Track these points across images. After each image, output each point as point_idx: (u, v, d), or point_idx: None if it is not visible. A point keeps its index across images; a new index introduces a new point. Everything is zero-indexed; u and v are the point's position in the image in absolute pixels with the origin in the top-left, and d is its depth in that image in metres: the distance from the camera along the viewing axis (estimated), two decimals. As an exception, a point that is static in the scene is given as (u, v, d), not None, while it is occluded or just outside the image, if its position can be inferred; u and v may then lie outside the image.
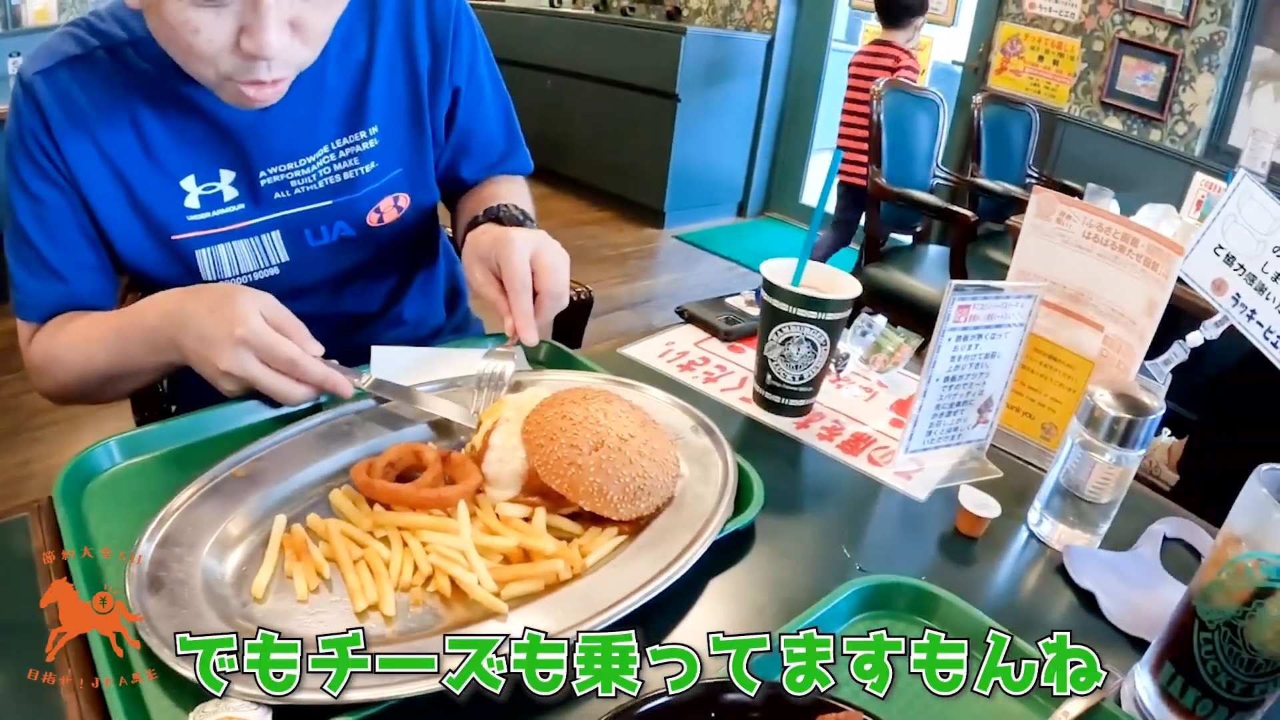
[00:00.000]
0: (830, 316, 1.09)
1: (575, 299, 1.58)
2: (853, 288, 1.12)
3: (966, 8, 5.39)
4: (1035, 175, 4.47)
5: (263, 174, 1.18)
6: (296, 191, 1.21)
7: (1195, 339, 1.10)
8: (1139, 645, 0.84)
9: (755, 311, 1.43)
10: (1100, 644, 0.83)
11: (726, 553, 0.89)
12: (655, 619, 0.79)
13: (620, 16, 6.59)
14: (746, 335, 1.38)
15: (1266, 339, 1.04)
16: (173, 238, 1.17)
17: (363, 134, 1.23)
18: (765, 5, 6.20)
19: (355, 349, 1.13)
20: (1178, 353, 1.10)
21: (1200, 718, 0.74)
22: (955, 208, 3.38)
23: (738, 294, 1.49)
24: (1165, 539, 1.02)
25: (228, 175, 1.17)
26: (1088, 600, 0.91)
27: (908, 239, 4.14)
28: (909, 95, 3.77)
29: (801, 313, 1.08)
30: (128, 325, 1.08)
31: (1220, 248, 1.08)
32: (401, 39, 1.24)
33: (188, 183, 1.16)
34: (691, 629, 0.81)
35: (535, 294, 1.09)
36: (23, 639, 0.71)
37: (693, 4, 6.64)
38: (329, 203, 1.24)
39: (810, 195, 6.57)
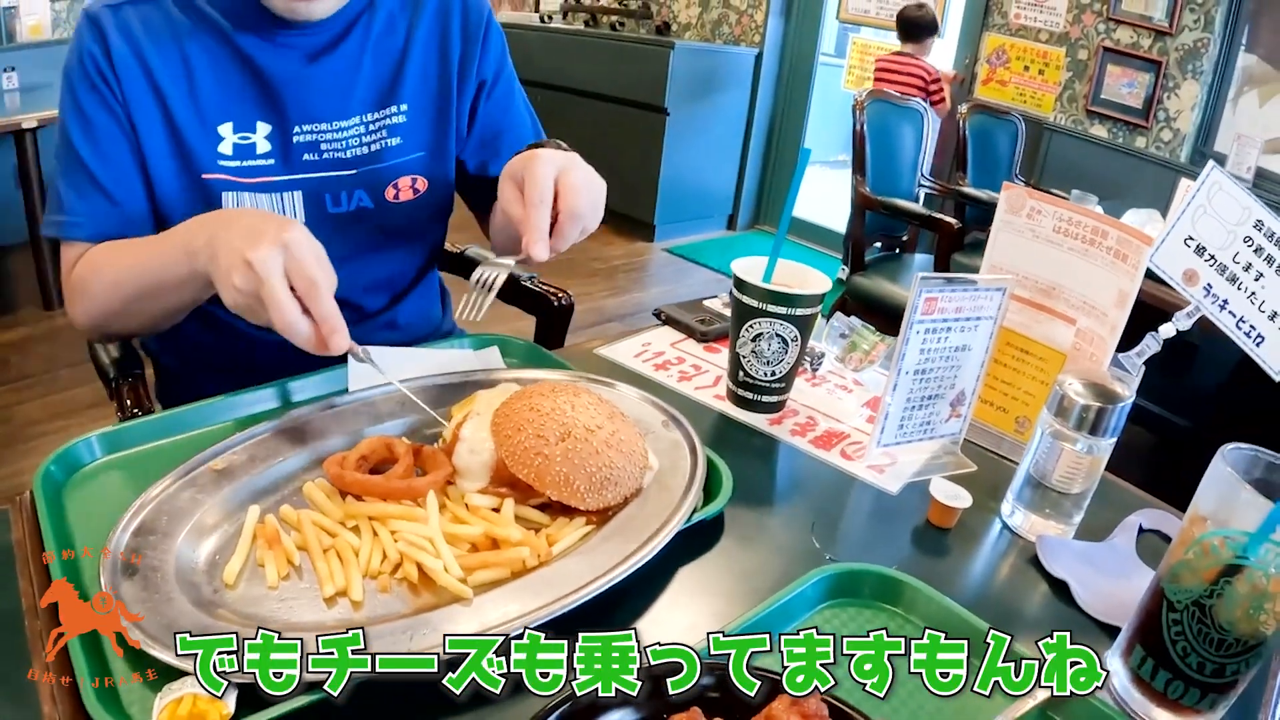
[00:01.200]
0: (800, 312, 1.10)
1: (556, 304, 1.59)
2: (822, 283, 1.13)
3: (953, 19, 5.42)
4: (1022, 184, 4.47)
5: (296, 130, 1.24)
6: (325, 156, 1.26)
7: (1167, 330, 1.10)
8: (1112, 633, 0.85)
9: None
10: (1073, 632, 0.84)
11: (697, 543, 0.90)
12: (625, 605, 0.80)
13: (610, 31, 6.64)
14: (722, 336, 1.39)
15: (1239, 329, 1.04)
16: (203, 176, 1.21)
17: (393, 109, 1.29)
18: (754, 19, 6.24)
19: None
20: (1150, 345, 1.11)
21: (1172, 700, 0.75)
22: (939, 215, 3.39)
23: (715, 297, 1.50)
24: (1141, 530, 1.03)
25: (264, 128, 1.23)
26: (1061, 589, 0.91)
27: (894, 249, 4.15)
28: (892, 105, 3.79)
29: (771, 308, 1.09)
30: (171, 232, 1.10)
31: (1190, 239, 1.08)
32: (438, 32, 1.32)
33: (225, 129, 1.21)
34: (660, 616, 0.81)
35: (557, 213, 1.06)
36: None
37: (681, 19, 6.69)
38: (353, 172, 1.28)
39: (801, 208, 6.54)
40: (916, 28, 4.87)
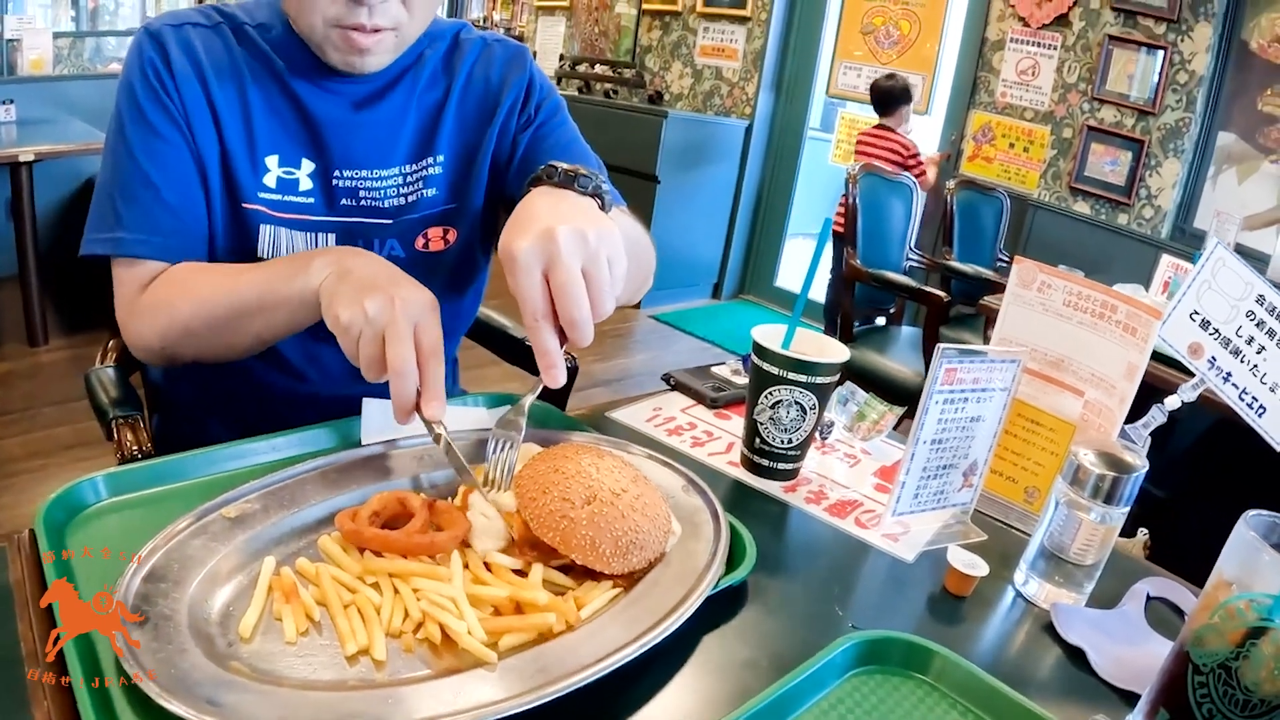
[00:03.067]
0: (820, 380, 1.11)
1: (562, 367, 1.59)
2: (840, 353, 1.13)
3: (940, 97, 5.52)
4: (1006, 259, 4.54)
5: (337, 174, 1.25)
6: (362, 203, 1.27)
7: (1173, 402, 1.12)
8: (1129, 699, 0.85)
9: (741, 380, 1.45)
10: (1091, 698, 0.86)
11: (718, 611, 0.89)
12: (648, 673, 0.80)
13: (603, 99, 6.71)
14: (733, 402, 1.40)
15: (1241, 400, 1.06)
16: (243, 205, 1.21)
17: (430, 160, 1.31)
18: (744, 92, 6.34)
19: (358, 395, 1.13)
20: (1156, 416, 1.12)
21: (1197, 763, 0.75)
22: (928, 288, 3.44)
23: (723, 363, 1.51)
24: (1149, 598, 1.04)
25: (308, 166, 1.24)
26: (1076, 656, 0.92)
27: (880, 320, 4.19)
28: (883, 179, 3.85)
29: (792, 376, 1.10)
30: (283, 258, 1.11)
31: (1196, 313, 1.10)
32: (478, 82, 1.35)
33: (271, 160, 1.22)
34: (685, 684, 0.81)
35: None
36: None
37: (674, 89, 6.79)
38: (389, 221, 1.29)
39: (785, 279, 6.63)
40: (889, 97, 4.87)
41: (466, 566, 0.86)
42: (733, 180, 6.44)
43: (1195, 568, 1.05)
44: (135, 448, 1.25)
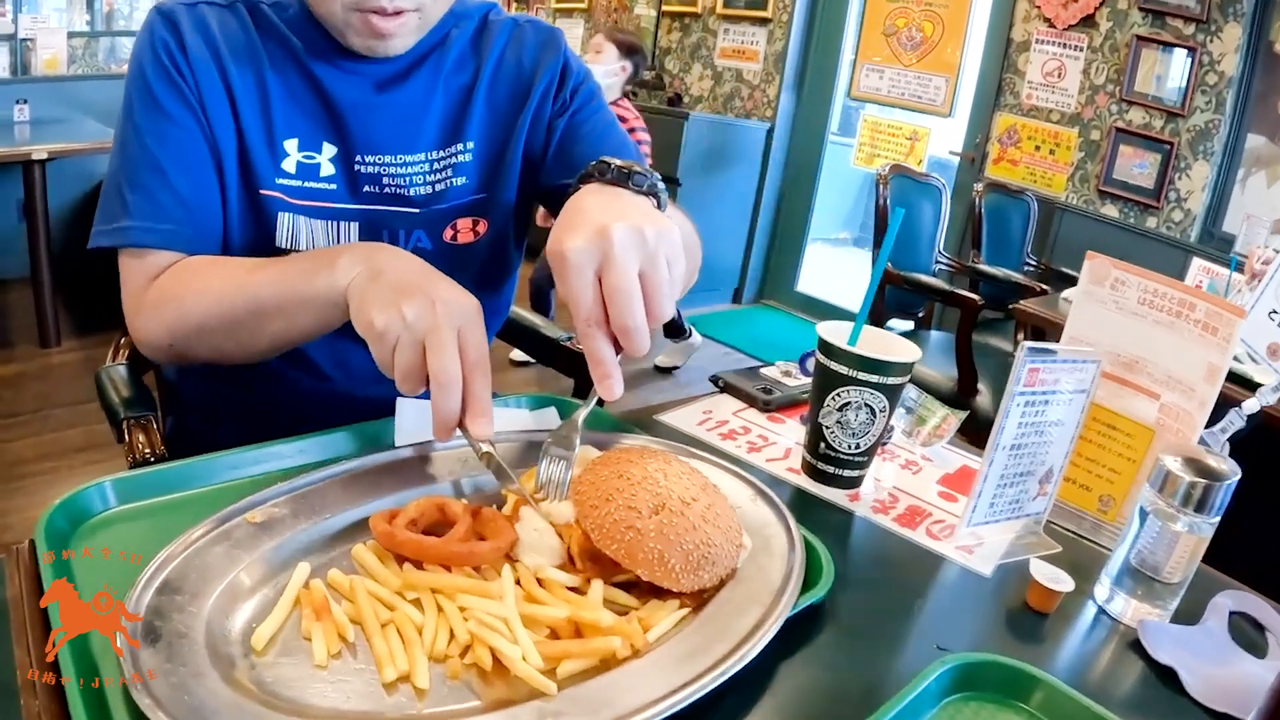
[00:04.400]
0: (891, 381, 1.03)
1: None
2: (912, 352, 1.06)
3: (964, 98, 5.44)
4: (1033, 263, 4.47)
5: (359, 160, 1.18)
6: (386, 191, 1.20)
7: (1251, 406, 1.07)
8: (1221, 720, 0.79)
9: (792, 382, 1.37)
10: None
11: (794, 633, 0.81)
12: (724, 704, 0.72)
13: (623, 101, 6.66)
14: (786, 405, 1.33)
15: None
16: (260, 192, 1.15)
17: (459, 146, 1.24)
18: (766, 94, 6.27)
19: (389, 397, 1.04)
20: (1234, 420, 1.07)
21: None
22: (961, 291, 3.36)
23: (772, 364, 1.44)
24: (1230, 612, 0.97)
25: (329, 150, 1.18)
26: (1165, 675, 0.85)
27: (909, 324, 4.12)
28: (912, 181, 3.78)
29: (862, 376, 1.02)
30: (305, 254, 1.04)
31: (1275, 312, 1.05)
32: (510, 66, 1.29)
33: (290, 145, 1.16)
34: (766, 717, 0.73)
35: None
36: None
37: (694, 91, 6.71)
38: (416, 210, 1.22)
39: (806, 284, 6.56)
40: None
41: (518, 583, 0.78)
42: (754, 183, 6.35)
43: (1243, 573, 1.05)
44: (147, 450, 1.18)
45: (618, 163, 0.95)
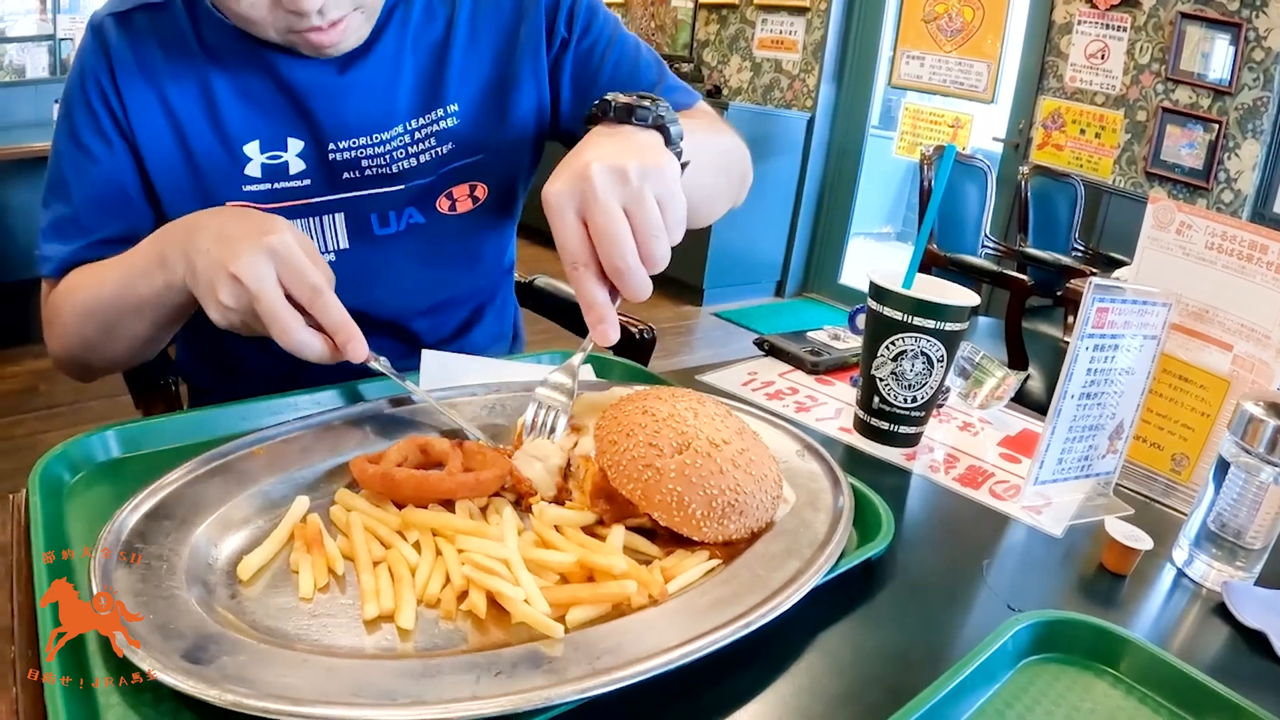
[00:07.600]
0: (949, 327, 0.96)
1: (637, 336, 1.47)
2: (968, 296, 0.99)
3: (1006, 83, 5.35)
4: (1081, 248, 4.37)
5: (332, 147, 1.10)
6: (367, 173, 1.13)
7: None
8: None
9: (842, 345, 1.32)
10: (1273, 686, 0.73)
11: (849, 590, 0.75)
12: (757, 662, 0.66)
13: (660, 95, 6.61)
14: (834, 368, 1.27)
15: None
16: (228, 204, 1.08)
17: (440, 111, 1.14)
18: (805, 84, 6.19)
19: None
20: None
21: None
22: (1010, 273, 3.28)
23: (820, 328, 1.38)
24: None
25: (295, 145, 1.10)
26: (1253, 640, 0.79)
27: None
28: (958, 163, 3.70)
29: (918, 321, 0.96)
30: (144, 242, 0.97)
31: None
32: (488, 8, 1.17)
33: (251, 149, 1.09)
34: (816, 678, 0.66)
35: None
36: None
37: (733, 83, 6.65)
38: (401, 187, 1.14)
39: (849, 277, 6.48)
40: None
41: (528, 530, 0.73)
42: (795, 174, 6.27)
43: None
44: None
45: (621, 99, 0.89)
